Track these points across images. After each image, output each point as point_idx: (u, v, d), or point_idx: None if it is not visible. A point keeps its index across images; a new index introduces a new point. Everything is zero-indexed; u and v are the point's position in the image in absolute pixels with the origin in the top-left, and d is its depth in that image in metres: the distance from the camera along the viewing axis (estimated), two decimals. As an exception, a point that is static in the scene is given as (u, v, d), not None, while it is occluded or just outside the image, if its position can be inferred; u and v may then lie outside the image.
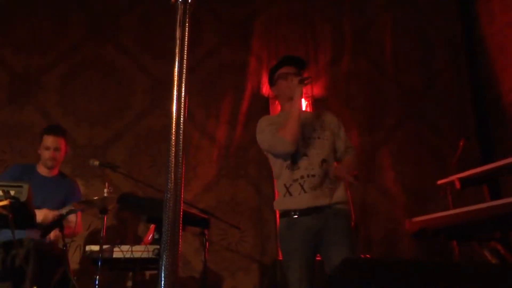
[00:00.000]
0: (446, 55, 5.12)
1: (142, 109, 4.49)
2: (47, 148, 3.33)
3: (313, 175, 2.46)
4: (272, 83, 2.76)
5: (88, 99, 4.43)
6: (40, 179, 3.33)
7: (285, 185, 2.51)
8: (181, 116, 0.95)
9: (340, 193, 2.51)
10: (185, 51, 0.96)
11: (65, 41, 4.57)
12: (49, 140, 3.33)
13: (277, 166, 2.59)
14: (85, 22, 4.67)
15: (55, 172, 3.45)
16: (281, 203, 2.55)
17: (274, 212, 3.93)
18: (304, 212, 2.44)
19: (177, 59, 0.95)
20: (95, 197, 3.16)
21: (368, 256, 3.79)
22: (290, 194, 2.49)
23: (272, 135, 2.52)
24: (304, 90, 2.63)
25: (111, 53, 4.60)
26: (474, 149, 4.59)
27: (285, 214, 2.51)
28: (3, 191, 2.36)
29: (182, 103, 0.96)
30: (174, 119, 0.95)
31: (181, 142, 0.95)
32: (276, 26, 4.90)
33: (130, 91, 4.52)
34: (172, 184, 0.91)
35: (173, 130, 0.95)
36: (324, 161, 2.50)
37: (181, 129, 0.95)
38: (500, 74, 4.75)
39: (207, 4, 4.83)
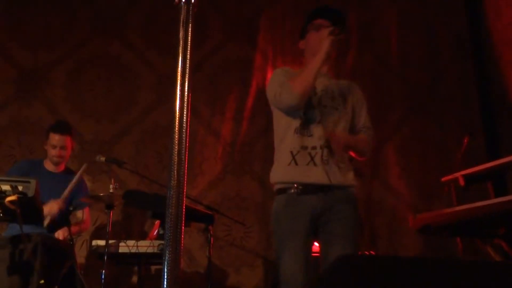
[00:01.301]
0: (452, 50, 5.09)
1: (148, 105, 4.52)
2: (53, 147, 3.37)
3: (327, 147, 2.05)
4: (302, 35, 2.35)
5: (94, 95, 4.47)
6: (47, 175, 3.36)
7: (291, 152, 2.08)
8: (184, 115, 0.97)
9: (352, 175, 2.15)
10: (188, 51, 0.97)
11: (72, 37, 4.60)
12: (55, 139, 3.35)
13: (282, 126, 2.18)
14: (91, 18, 4.69)
15: (61, 167, 3.48)
16: (282, 173, 2.12)
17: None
18: (310, 189, 2.03)
19: (180, 58, 0.96)
20: (101, 193, 3.21)
21: (372, 252, 3.81)
22: (296, 163, 2.06)
23: (279, 83, 2.13)
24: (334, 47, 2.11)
25: (117, 49, 4.63)
26: (480, 145, 4.58)
27: (284, 190, 2.10)
28: (11, 186, 2.41)
29: (185, 102, 0.97)
30: (177, 118, 0.96)
31: (184, 140, 0.97)
32: (282, 22, 4.89)
33: (136, 87, 4.55)
34: (175, 182, 0.93)
35: (176, 128, 0.96)
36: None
37: (184, 128, 0.97)
38: (506, 70, 4.72)
39: (212, 0, 4.83)
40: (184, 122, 0.96)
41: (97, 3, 4.74)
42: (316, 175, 2.03)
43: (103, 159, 3.33)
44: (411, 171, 4.56)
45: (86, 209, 3.45)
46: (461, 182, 3.04)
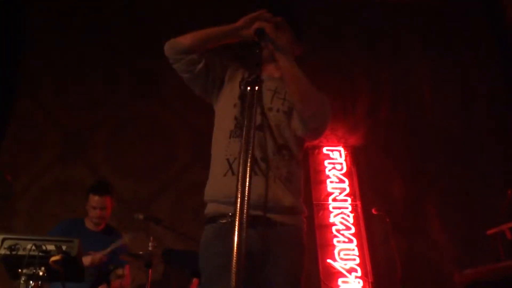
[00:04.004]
0: (488, 99, 5.05)
1: (186, 163, 4.61)
2: (94, 208, 3.44)
3: (265, 159, 1.57)
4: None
5: (134, 154, 4.61)
6: (88, 233, 3.42)
7: (227, 159, 1.63)
8: (246, 191, 0.99)
9: (297, 190, 1.66)
10: (252, 131, 1.01)
11: (113, 100, 4.83)
12: (95, 200, 3.44)
13: (215, 129, 1.79)
14: (132, 81, 4.92)
15: (102, 226, 3.54)
16: (212, 188, 1.71)
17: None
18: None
19: (243, 139, 1.00)
20: (139, 251, 3.21)
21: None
22: (233, 173, 1.60)
23: None
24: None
25: (156, 109, 4.81)
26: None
27: (213, 219, 1.66)
28: (55, 246, 2.45)
29: (248, 178, 1.00)
30: (239, 196, 0.98)
31: (245, 220, 0.97)
32: (313, 78, 4.97)
33: (174, 146, 4.67)
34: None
35: (238, 207, 0.97)
36: (283, 147, 1.66)
37: (246, 202, 0.98)
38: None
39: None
40: (246, 199, 0.98)
41: (139, 68, 4.97)
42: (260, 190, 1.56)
43: (141, 217, 3.36)
44: (453, 224, 4.43)
45: (127, 266, 3.47)
46: (509, 236, 2.95)
